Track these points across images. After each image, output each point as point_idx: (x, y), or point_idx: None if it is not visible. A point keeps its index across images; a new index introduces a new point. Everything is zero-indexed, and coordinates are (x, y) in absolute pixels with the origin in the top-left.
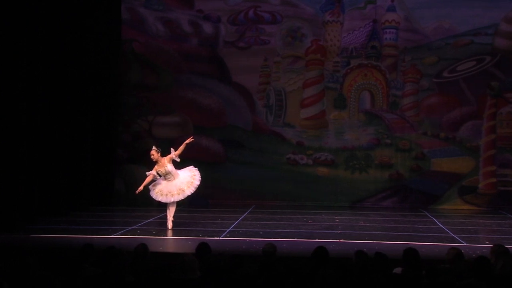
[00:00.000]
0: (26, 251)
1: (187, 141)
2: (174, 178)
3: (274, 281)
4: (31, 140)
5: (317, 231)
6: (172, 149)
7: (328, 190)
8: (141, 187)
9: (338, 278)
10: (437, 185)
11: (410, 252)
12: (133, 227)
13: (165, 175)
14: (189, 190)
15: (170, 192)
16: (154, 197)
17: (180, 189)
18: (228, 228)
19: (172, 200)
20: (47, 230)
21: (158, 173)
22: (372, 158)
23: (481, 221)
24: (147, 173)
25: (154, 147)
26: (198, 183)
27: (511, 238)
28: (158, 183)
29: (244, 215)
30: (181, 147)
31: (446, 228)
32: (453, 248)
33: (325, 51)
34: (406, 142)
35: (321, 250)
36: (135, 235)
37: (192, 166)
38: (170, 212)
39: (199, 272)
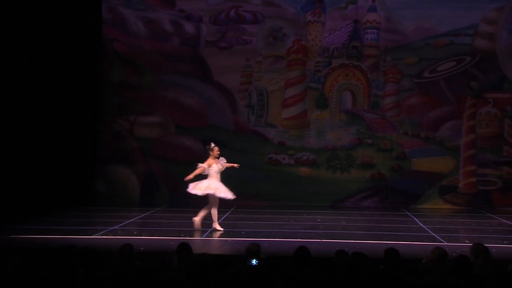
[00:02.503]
0: (7, 252)
1: (235, 165)
2: (218, 180)
3: (260, 281)
4: (12, 140)
5: (299, 230)
6: (224, 158)
7: (310, 190)
8: (191, 176)
9: (323, 278)
10: (418, 184)
11: (391, 251)
12: (114, 227)
13: (219, 171)
14: (231, 194)
15: (218, 188)
16: (201, 192)
17: (226, 189)
18: (210, 228)
19: (222, 195)
20: (28, 230)
21: (210, 168)
22: (354, 158)
23: (461, 220)
24: (199, 164)
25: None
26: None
27: (490, 237)
28: (201, 182)
29: (226, 215)
30: (229, 164)
31: (426, 227)
32: (437, 247)
33: (306, 51)
34: (387, 142)
35: (302, 250)
36: (116, 235)
37: None
38: (215, 215)
39: (180, 272)
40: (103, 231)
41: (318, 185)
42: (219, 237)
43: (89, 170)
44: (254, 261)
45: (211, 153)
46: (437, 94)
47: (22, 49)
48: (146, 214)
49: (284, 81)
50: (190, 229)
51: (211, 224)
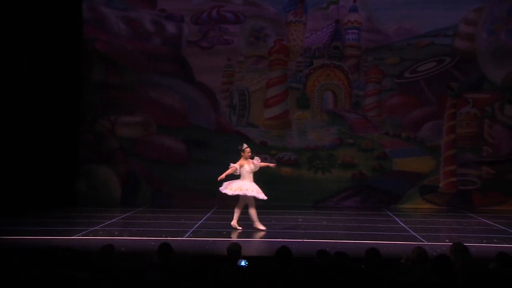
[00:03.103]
0: None
1: (271, 165)
2: (251, 180)
3: (244, 281)
4: None
5: (280, 230)
6: (258, 158)
7: (291, 190)
8: (223, 176)
9: (305, 278)
10: (399, 184)
11: (372, 251)
12: (95, 227)
13: (251, 172)
14: (263, 195)
15: (249, 189)
16: (231, 192)
17: (258, 190)
18: (192, 228)
19: (253, 194)
20: (9, 231)
21: (242, 168)
22: (335, 158)
23: (441, 219)
24: (231, 164)
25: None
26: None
27: (470, 237)
28: (233, 182)
29: (208, 215)
30: (264, 164)
31: (407, 227)
32: (418, 247)
33: (288, 51)
34: (368, 142)
35: (284, 250)
36: (97, 236)
37: None
38: (254, 215)
39: (162, 273)
40: (84, 232)
41: (300, 185)
42: (202, 237)
43: (70, 170)
44: (243, 263)
45: (242, 154)
46: (418, 94)
47: (1, 49)
48: (128, 214)
49: (266, 81)
50: (171, 229)
51: (193, 224)
